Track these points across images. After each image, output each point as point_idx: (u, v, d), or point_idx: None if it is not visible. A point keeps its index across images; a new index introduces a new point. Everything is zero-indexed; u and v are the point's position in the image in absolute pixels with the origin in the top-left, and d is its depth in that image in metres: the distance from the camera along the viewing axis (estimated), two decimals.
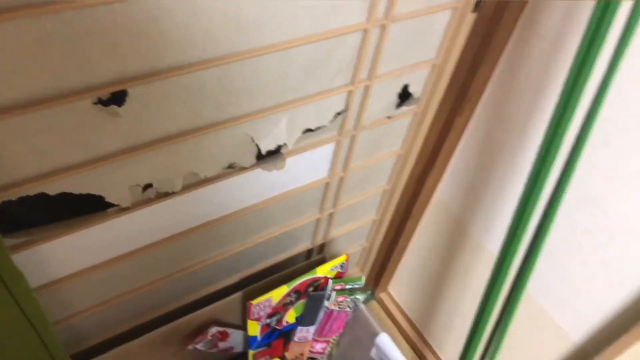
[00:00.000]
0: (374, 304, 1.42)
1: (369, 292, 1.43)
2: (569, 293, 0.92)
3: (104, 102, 0.58)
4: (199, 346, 0.93)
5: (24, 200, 0.61)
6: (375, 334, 0.94)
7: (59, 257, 0.71)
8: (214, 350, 0.98)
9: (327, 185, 0.95)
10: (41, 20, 0.48)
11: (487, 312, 0.91)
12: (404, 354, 1.32)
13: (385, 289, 1.42)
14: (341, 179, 0.96)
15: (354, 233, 1.18)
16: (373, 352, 0.96)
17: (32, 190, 0.61)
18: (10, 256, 0.62)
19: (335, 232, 1.11)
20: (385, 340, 0.93)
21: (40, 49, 0.50)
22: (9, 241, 0.64)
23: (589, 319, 0.89)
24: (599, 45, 0.62)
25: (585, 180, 0.82)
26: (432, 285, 1.25)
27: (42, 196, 0.62)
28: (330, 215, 1.04)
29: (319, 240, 1.09)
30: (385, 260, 1.31)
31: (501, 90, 0.90)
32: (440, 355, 1.31)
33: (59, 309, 0.79)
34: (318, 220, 1.03)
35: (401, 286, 1.37)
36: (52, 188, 0.62)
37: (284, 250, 1.05)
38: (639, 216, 0.77)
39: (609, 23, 0.61)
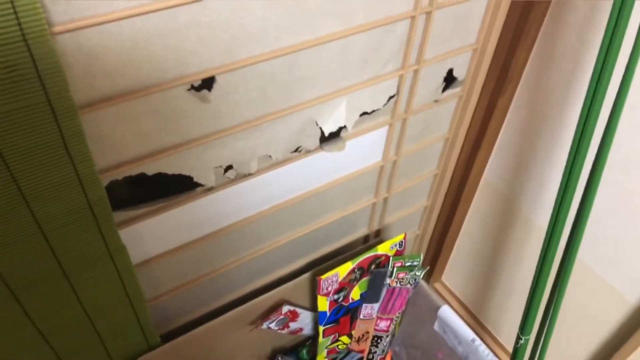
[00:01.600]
0: None
1: (428, 267, 1.47)
2: (621, 254, 0.96)
3: (196, 88, 0.67)
4: (273, 325, 1.00)
5: (127, 180, 0.71)
6: (437, 307, 1.00)
7: (151, 236, 0.80)
8: (285, 330, 1.05)
9: (381, 169, 1.02)
10: (148, 17, 0.58)
11: (542, 283, 0.96)
12: None
13: (439, 279, 1.47)
14: (394, 163, 1.03)
15: (407, 220, 1.24)
16: (436, 326, 1.01)
17: (134, 170, 0.70)
18: (118, 231, 0.72)
19: (390, 218, 1.17)
20: (447, 312, 0.99)
21: (146, 43, 0.59)
22: (115, 217, 0.73)
23: None
24: (627, 17, 0.68)
25: (626, 144, 0.87)
26: (486, 269, 1.30)
27: (142, 176, 0.72)
28: (385, 200, 1.11)
29: (375, 226, 1.16)
30: (437, 249, 1.37)
31: (540, 67, 0.96)
32: (498, 338, 1.34)
33: (149, 287, 0.88)
34: (374, 205, 1.10)
35: (455, 274, 1.42)
36: (150, 168, 0.72)
37: (344, 235, 1.13)
38: None
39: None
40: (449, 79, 0.96)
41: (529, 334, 1.03)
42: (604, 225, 0.96)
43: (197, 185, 0.78)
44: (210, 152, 0.76)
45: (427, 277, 1.47)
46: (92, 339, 0.83)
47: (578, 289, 1.05)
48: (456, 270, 1.41)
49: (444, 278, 1.46)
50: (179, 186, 0.77)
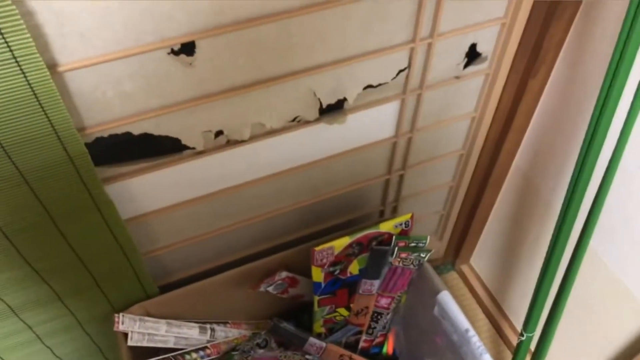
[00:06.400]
0: (452, 274, 1.42)
1: (450, 264, 1.43)
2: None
3: (176, 52, 0.66)
4: (270, 289, 1.01)
5: (113, 138, 0.72)
6: (437, 292, 0.96)
7: (144, 193, 0.83)
8: (285, 295, 1.05)
9: (394, 144, 0.98)
10: None
11: (551, 270, 0.90)
12: (479, 326, 1.33)
13: (466, 261, 1.42)
14: (409, 140, 0.98)
15: (430, 198, 1.19)
16: (436, 310, 0.98)
17: (120, 129, 0.72)
18: (103, 185, 0.74)
19: (408, 194, 1.13)
20: (446, 298, 0.95)
21: (124, 5, 0.59)
22: (101, 173, 0.75)
23: None
24: None
25: None
26: (513, 256, 1.23)
27: (128, 135, 0.73)
28: (401, 177, 1.07)
29: (391, 201, 1.13)
30: (464, 231, 1.31)
31: (578, 50, 0.86)
32: (516, 326, 1.28)
33: (145, 241, 0.91)
34: (387, 181, 1.06)
35: (482, 258, 1.36)
36: (136, 128, 0.73)
37: (355, 209, 1.10)
38: None
39: None
40: (472, 55, 0.89)
41: (533, 330, 0.98)
42: (626, 221, 0.87)
43: (186, 147, 0.78)
44: (197, 116, 0.75)
45: (454, 259, 1.42)
46: (88, 282, 0.88)
47: (598, 292, 0.97)
48: (484, 255, 1.35)
49: (472, 261, 1.41)
50: (166, 147, 0.78)
